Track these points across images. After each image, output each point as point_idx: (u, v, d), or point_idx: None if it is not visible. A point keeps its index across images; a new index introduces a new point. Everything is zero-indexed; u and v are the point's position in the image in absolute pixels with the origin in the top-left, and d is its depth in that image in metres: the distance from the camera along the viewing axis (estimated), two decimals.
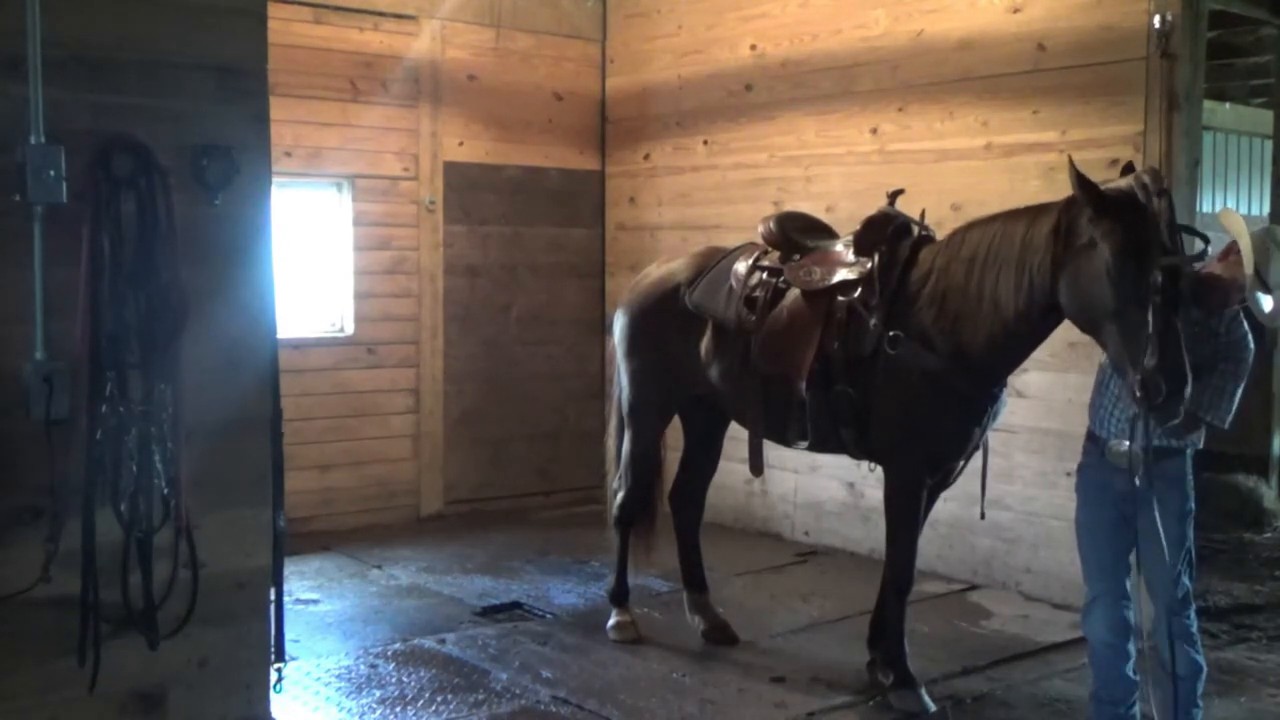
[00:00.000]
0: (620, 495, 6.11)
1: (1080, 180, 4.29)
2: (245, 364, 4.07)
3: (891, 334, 5.02)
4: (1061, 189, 6.53)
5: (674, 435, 6.29)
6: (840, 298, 5.22)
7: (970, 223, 5.06)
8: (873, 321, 5.08)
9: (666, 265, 6.13)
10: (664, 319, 5.86)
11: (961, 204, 7.00)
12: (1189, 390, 4.06)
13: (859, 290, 5.18)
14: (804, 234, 5.60)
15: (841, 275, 5.26)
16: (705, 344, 5.68)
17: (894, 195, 5.43)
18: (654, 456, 6.17)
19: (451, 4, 8.68)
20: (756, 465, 5.55)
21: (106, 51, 3.75)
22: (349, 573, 7.32)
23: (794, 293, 5.39)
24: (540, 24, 9.15)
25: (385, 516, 8.52)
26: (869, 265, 5.19)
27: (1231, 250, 4.30)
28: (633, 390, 6.04)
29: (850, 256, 5.30)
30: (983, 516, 5.48)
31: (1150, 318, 4.05)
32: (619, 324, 6.13)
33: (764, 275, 5.52)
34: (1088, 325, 4.46)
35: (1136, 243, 4.13)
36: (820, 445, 5.44)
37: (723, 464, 6.37)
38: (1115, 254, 4.18)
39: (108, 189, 3.65)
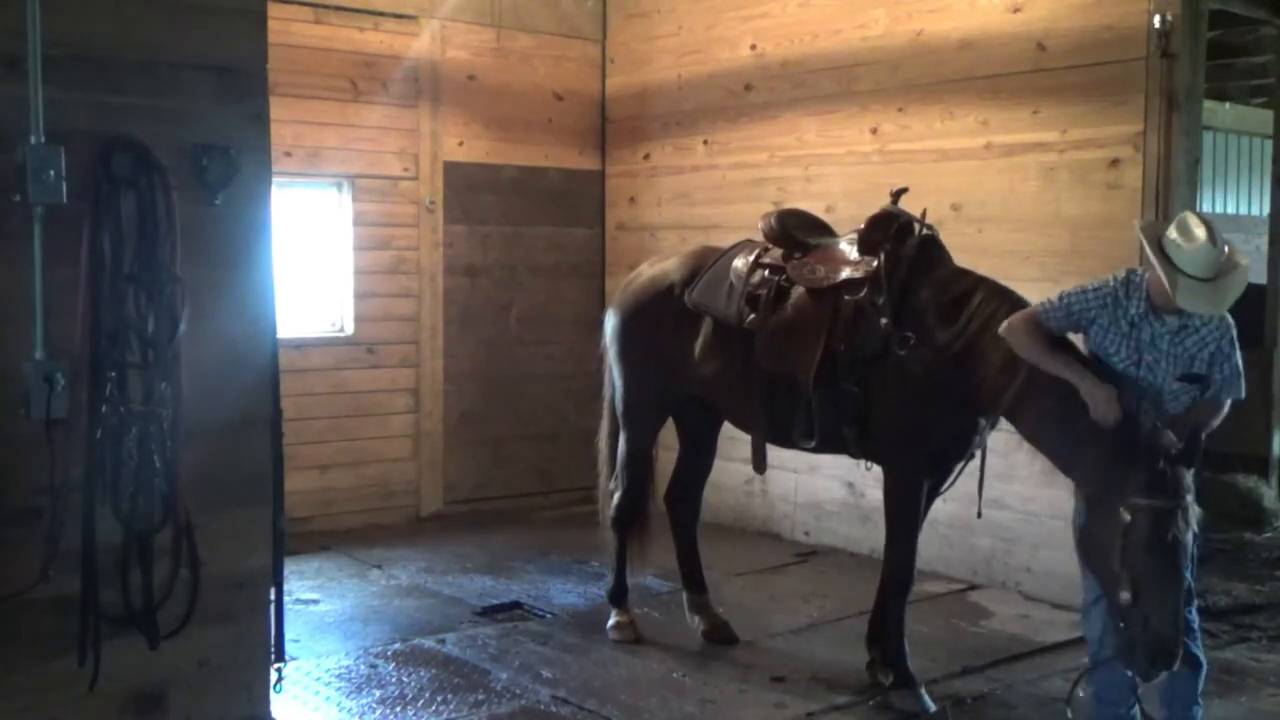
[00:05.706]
0: (617, 496, 6.10)
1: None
2: (245, 364, 4.07)
3: (904, 334, 5.02)
4: (1061, 189, 6.64)
5: (668, 435, 6.28)
6: (846, 296, 5.21)
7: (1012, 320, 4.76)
8: (883, 321, 5.08)
9: (658, 265, 6.10)
10: (658, 319, 5.84)
11: (961, 204, 7.01)
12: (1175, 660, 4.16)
13: (865, 289, 5.17)
14: (805, 231, 5.59)
15: (847, 274, 5.25)
16: (702, 343, 5.66)
17: (898, 194, 5.42)
18: (649, 457, 6.16)
19: (451, 4, 8.68)
20: (759, 463, 5.54)
21: (106, 51, 3.75)
22: (349, 573, 7.31)
23: (798, 291, 5.38)
24: (540, 24, 9.15)
25: (385, 516, 8.52)
26: (874, 264, 5.19)
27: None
28: (627, 391, 6.01)
29: (854, 255, 5.29)
30: (979, 515, 5.47)
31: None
32: (611, 325, 6.10)
33: (766, 273, 5.50)
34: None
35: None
36: (823, 445, 5.43)
37: (722, 464, 6.36)
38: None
39: (108, 189, 3.66)
